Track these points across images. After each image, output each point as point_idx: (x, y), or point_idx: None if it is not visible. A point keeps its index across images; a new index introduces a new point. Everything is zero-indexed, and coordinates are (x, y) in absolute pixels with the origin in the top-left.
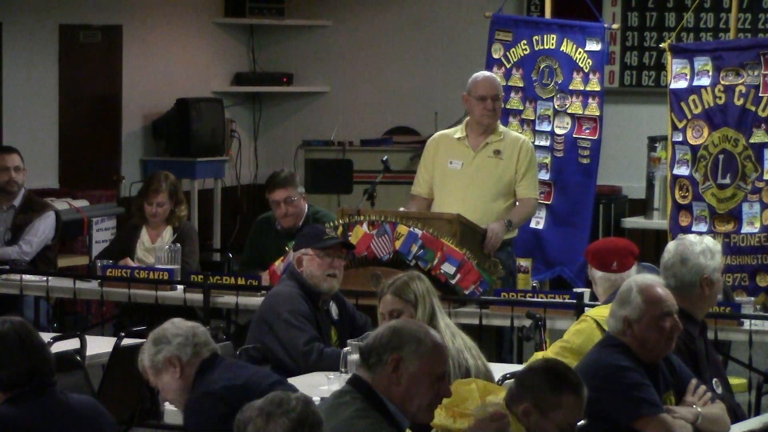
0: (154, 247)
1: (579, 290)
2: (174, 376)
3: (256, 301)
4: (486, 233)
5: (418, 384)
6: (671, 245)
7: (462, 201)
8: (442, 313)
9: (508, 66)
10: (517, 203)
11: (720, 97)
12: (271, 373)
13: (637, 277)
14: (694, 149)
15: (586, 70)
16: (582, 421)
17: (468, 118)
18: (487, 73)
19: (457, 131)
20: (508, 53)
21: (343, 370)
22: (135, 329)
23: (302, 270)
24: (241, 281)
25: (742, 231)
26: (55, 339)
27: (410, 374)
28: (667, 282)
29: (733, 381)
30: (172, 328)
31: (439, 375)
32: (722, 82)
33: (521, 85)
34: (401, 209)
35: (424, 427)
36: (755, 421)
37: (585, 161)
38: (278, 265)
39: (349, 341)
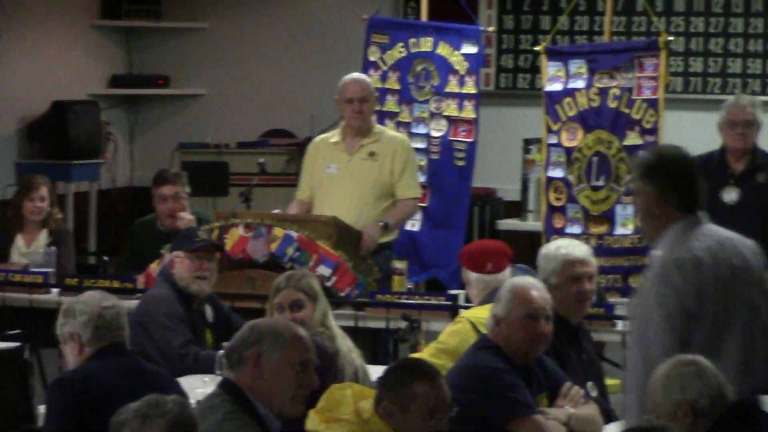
0: (30, 251)
1: (454, 292)
2: (73, 352)
3: (131, 304)
4: (361, 236)
5: (281, 375)
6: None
7: (339, 205)
8: (330, 313)
9: (384, 68)
10: (396, 204)
11: (594, 100)
12: (166, 382)
13: (516, 278)
14: (569, 151)
15: (462, 73)
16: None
17: (344, 122)
18: (355, 75)
19: (334, 135)
20: (384, 56)
21: (219, 372)
22: (9, 333)
23: (174, 272)
24: (116, 284)
25: (616, 233)
26: None
27: (272, 366)
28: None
29: (607, 382)
30: (82, 304)
31: (302, 363)
32: (596, 85)
33: (397, 87)
34: (275, 211)
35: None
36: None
37: (460, 163)
38: (154, 268)
39: (224, 344)
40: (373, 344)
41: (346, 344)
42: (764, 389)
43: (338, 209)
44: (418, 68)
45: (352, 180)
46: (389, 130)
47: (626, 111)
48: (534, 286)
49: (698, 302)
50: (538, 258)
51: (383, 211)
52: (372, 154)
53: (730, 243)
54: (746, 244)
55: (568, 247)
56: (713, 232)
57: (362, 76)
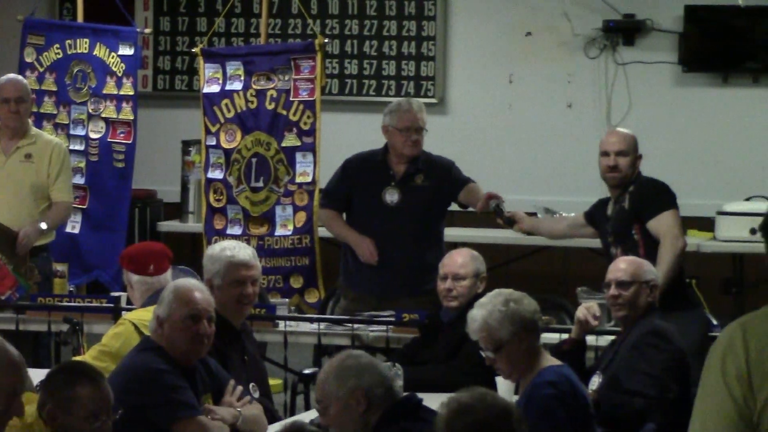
0: None
1: (116, 294)
2: None
3: None
4: (17, 236)
5: None
6: None
7: None
8: None
9: (41, 70)
10: (52, 206)
11: (252, 102)
12: None
13: (178, 280)
14: (228, 153)
15: (120, 75)
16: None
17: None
18: (11, 76)
19: None
20: (40, 57)
21: None
22: None
23: None
24: None
25: (276, 233)
26: None
27: None
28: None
29: (270, 382)
30: None
31: None
32: (254, 87)
33: (54, 89)
34: None
35: None
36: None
37: (120, 165)
38: None
39: None
40: (34, 348)
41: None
42: None
43: None
44: (75, 70)
45: (9, 181)
46: (45, 133)
47: (284, 112)
48: (197, 287)
49: None
50: (204, 258)
51: (41, 212)
52: (28, 156)
53: None
54: None
55: (234, 249)
56: None
57: (18, 76)
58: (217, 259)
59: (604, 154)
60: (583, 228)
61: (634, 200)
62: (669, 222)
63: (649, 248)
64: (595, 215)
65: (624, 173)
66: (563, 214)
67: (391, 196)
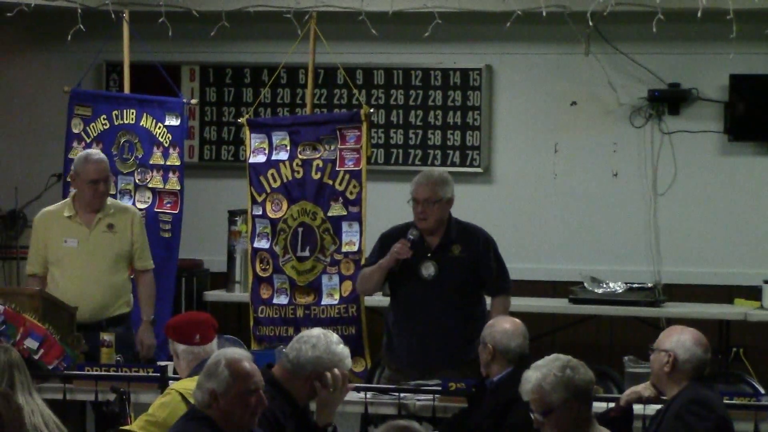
0: None
1: (163, 363)
2: None
3: None
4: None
5: None
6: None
7: (81, 278)
8: (24, 389)
9: (88, 140)
10: (140, 283)
11: (298, 171)
12: None
13: (226, 351)
14: (274, 222)
15: (166, 145)
16: None
17: (73, 193)
18: (95, 156)
19: (65, 209)
20: (88, 128)
21: None
22: None
23: None
24: None
25: (322, 303)
26: None
27: None
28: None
29: None
30: None
31: None
32: (300, 157)
33: None
34: None
35: None
36: None
37: (166, 235)
38: None
39: None
40: (83, 416)
41: (31, 421)
42: None
43: (80, 282)
44: (122, 140)
45: (95, 253)
46: (117, 202)
47: (330, 182)
48: (246, 358)
49: None
50: (312, 342)
51: (124, 282)
52: (110, 226)
53: None
54: None
55: (348, 358)
56: None
57: (100, 155)
58: (333, 353)
59: None
60: None
61: None
62: None
63: None
64: None
65: None
66: (609, 283)
67: (427, 270)
